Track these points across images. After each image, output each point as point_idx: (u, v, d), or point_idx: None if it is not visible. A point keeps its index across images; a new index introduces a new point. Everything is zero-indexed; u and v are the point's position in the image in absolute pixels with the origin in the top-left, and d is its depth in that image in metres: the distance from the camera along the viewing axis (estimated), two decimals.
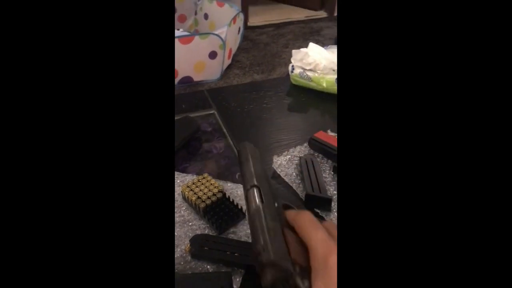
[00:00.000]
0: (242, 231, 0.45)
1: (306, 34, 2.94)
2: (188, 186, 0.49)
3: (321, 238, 0.25)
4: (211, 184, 0.50)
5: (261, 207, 0.27)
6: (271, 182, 0.34)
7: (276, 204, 0.29)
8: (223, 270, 0.39)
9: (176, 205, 0.49)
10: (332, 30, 2.98)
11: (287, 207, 0.30)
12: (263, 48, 2.63)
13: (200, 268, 0.40)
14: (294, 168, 0.57)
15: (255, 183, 0.29)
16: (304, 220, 0.27)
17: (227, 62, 2.11)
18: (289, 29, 3.07)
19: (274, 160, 0.59)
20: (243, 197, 0.51)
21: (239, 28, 2.26)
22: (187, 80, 1.86)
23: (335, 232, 0.26)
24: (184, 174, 0.56)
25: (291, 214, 0.28)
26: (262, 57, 2.47)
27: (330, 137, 0.63)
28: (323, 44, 0.87)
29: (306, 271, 0.25)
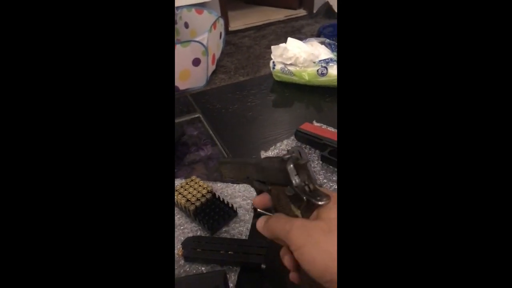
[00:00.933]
0: (235, 229, 0.45)
1: (288, 33, 2.96)
2: (176, 190, 0.48)
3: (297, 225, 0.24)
4: (199, 185, 0.49)
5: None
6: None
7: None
8: (218, 270, 0.38)
9: None
10: (313, 27, 3.01)
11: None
12: (246, 51, 2.64)
13: (194, 271, 0.39)
14: None
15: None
16: (273, 226, 0.26)
17: (212, 67, 2.11)
18: (270, 30, 3.09)
19: (262, 155, 0.58)
20: (233, 195, 0.50)
21: (220, 33, 2.27)
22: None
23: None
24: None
25: (259, 225, 0.28)
26: (246, 60, 2.48)
27: (316, 127, 0.63)
28: None
29: None
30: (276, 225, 0.26)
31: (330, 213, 0.24)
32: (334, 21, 2.51)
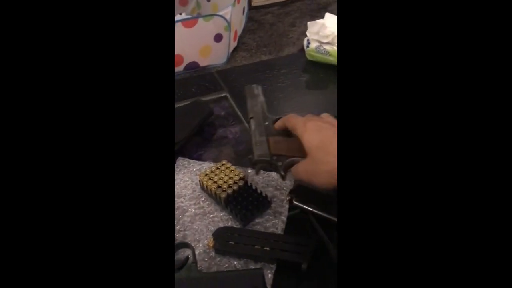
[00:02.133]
0: (269, 222, 0.41)
1: (313, 10, 2.81)
2: (206, 175, 0.45)
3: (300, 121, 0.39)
4: (231, 171, 0.45)
5: (252, 129, 0.42)
6: (264, 109, 0.45)
7: (266, 123, 0.43)
8: (252, 267, 0.35)
9: (194, 195, 0.45)
10: None
11: (277, 119, 0.44)
12: (269, 28, 2.53)
13: (226, 265, 0.36)
14: None
15: (250, 115, 0.44)
16: (289, 120, 0.41)
17: (233, 44, 2.03)
18: (295, 6, 2.94)
19: None
20: (266, 184, 0.46)
21: (244, 9, 2.16)
22: (193, 65, 1.79)
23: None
24: (200, 162, 0.51)
25: (282, 121, 0.42)
26: (269, 38, 2.38)
27: None
28: None
29: (284, 157, 0.39)
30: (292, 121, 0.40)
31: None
32: None
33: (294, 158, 0.38)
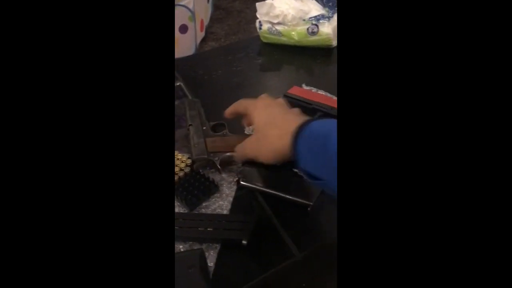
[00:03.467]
0: (215, 204, 0.41)
1: None
2: None
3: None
4: (177, 159, 0.45)
5: (191, 134, 0.49)
6: (203, 117, 0.52)
7: (204, 128, 0.50)
8: (196, 248, 0.36)
9: None
10: None
11: (216, 125, 0.51)
12: (237, 15, 2.49)
13: None
14: None
15: (189, 123, 0.51)
16: (240, 103, 0.45)
17: (201, 34, 2.00)
18: None
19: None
20: (215, 169, 0.47)
21: None
22: None
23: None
24: None
25: (233, 106, 0.47)
26: (237, 25, 2.35)
27: (305, 91, 0.58)
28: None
29: (220, 153, 0.45)
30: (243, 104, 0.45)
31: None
32: None
33: (229, 153, 0.44)
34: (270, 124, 0.38)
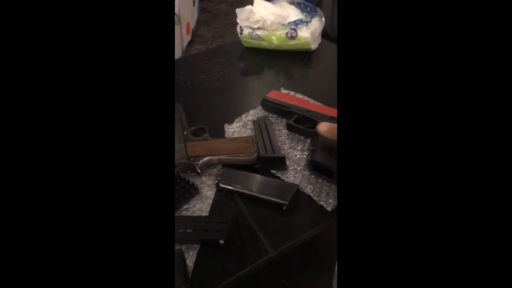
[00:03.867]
0: (196, 206, 0.43)
1: None
2: None
3: None
4: None
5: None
6: (184, 122, 0.54)
7: (185, 133, 0.51)
8: (176, 249, 0.37)
9: None
10: None
11: (198, 129, 0.53)
12: (223, 18, 2.50)
13: None
14: (249, 132, 0.54)
15: None
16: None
17: (187, 38, 2.00)
18: None
19: (226, 128, 0.55)
20: (196, 173, 0.48)
21: (194, 0, 2.13)
22: None
23: None
24: None
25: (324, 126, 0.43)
26: (224, 28, 2.36)
27: (283, 94, 0.60)
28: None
29: (200, 157, 0.47)
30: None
31: None
32: None
33: (209, 156, 0.47)
34: None
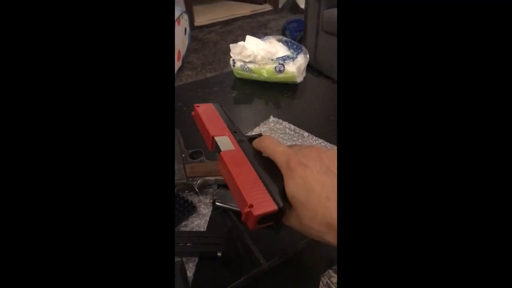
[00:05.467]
0: (194, 223, 0.47)
1: (254, 28, 2.98)
2: None
3: (281, 151, 0.30)
4: None
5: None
6: (182, 145, 0.58)
7: (183, 155, 0.55)
8: (177, 260, 0.41)
9: None
10: (278, 22, 3.05)
11: (195, 152, 0.57)
12: (212, 46, 2.63)
13: None
14: None
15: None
16: (265, 142, 0.33)
17: (177, 64, 2.09)
18: (236, 25, 3.09)
19: None
20: (194, 192, 0.53)
21: (185, 29, 2.24)
22: None
23: (295, 148, 0.31)
24: None
25: (255, 143, 0.34)
26: (213, 55, 2.47)
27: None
28: None
29: (198, 178, 0.51)
30: (266, 143, 0.32)
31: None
32: (299, 16, 2.57)
33: (206, 177, 0.52)
34: (309, 207, 0.26)
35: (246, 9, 3.32)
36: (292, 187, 0.27)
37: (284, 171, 0.29)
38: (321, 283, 0.41)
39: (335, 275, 0.40)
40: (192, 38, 2.59)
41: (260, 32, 2.76)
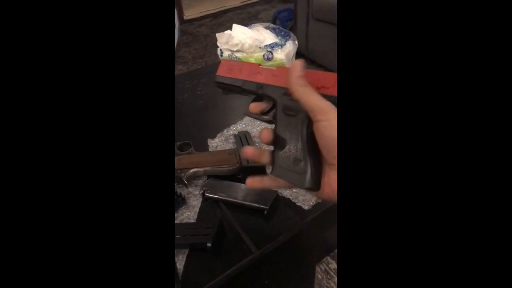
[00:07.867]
0: (183, 215, 0.46)
1: (245, 19, 2.94)
2: None
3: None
4: None
5: None
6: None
7: None
8: None
9: None
10: (269, 12, 3.01)
11: (183, 144, 0.56)
12: (203, 40, 2.59)
13: None
14: (231, 146, 0.59)
15: None
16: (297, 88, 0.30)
17: None
18: (227, 17, 3.04)
19: (209, 143, 0.59)
20: (182, 184, 0.52)
21: (175, 23, 2.20)
22: None
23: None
24: None
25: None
26: (204, 49, 2.44)
27: (233, 65, 0.42)
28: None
29: (186, 169, 0.51)
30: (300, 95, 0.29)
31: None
32: (289, 6, 2.53)
33: (195, 168, 0.51)
34: None
35: (236, 0, 3.27)
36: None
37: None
38: (318, 270, 0.40)
39: (333, 262, 0.39)
40: (183, 32, 2.55)
41: (251, 23, 2.72)
